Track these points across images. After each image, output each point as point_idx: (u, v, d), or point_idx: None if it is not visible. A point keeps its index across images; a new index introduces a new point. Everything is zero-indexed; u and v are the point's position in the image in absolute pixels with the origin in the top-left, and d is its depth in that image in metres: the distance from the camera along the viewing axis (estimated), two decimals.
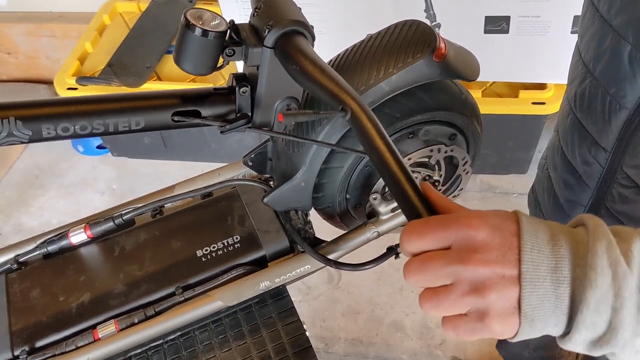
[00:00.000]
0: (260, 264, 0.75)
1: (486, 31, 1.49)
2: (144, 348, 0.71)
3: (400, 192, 0.44)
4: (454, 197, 0.82)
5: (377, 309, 1.64)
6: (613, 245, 0.38)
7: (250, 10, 0.59)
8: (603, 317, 0.38)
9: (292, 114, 0.48)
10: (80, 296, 0.72)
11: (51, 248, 0.76)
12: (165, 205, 0.81)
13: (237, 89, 0.59)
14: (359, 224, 0.76)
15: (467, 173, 0.80)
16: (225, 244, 0.75)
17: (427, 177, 0.76)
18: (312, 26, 0.55)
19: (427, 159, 0.75)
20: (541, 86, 1.62)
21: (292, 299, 0.75)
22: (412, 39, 0.66)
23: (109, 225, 0.77)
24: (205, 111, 0.60)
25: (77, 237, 0.76)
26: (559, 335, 0.41)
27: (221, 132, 0.60)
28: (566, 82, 0.80)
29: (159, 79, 1.82)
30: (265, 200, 0.72)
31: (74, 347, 0.68)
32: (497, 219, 0.41)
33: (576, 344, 0.40)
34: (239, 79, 0.61)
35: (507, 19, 1.46)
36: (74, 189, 2.07)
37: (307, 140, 0.65)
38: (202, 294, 0.71)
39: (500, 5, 1.44)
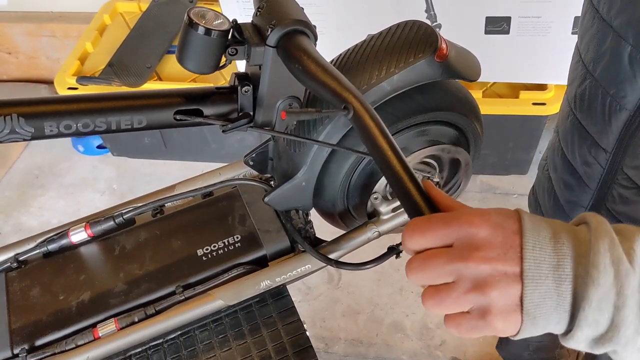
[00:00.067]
0: (261, 264, 0.75)
1: (487, 32, 1.50)
2: (144, 347, 0.71)
3: (403, 190, 0.44)
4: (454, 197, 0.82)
5: (377, 309, 1.64)
6: (615, 243, 0.39)
7: (251, 10, 0.59)
8: (605, 315, 0.38)
9: (295, 112, 0.48)
10: (81, 295, 0.72)
11: (51, 247, 0.76)
12: (166, 205, 0.81)
13: (239, 88, 0.59)
14: (359, 223, 0.76)
15: (467, 173, 0.80)
16: (226, 243, 0.75)
17: (427, 178, 0.76)
18: (314, 26, 0.55)
19: (427, 159, 0.75)
20: (542, 87, 1.62)
21: (292, 299, 0.75)
22: (414, 39, 0.66)
23: (110, 224, 0.77)
24: (207, 110, 0.60)
25: (78, 236, 0.76)
26: (561, 333, 0.41)
27: (223, 131, 0.60)
28: (566, 83, 0.80)
29: (160, 79, 1.82)
30: (266, 199, 0.72)
31: (73, 345, 0.68)
32: (499, 217, 0.41)
33: (578, 341, 0.40)
34: (241, 78, 0.61)
35: (507, 20, 1.46)
36: (74, 188, 2.07)
37: (308, 140, 0.65)
38: (202, 293, 0.71)
39: (501, 5, 1.44)
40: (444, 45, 0.65)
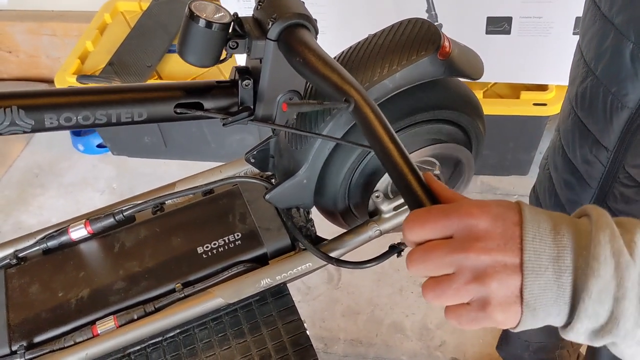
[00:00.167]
0: (261, 262, 0.74)
1: (488, 32, 1.49)
2: (143, 345, 0.70)
3: (404, 182, 0.44)
4: None
5: (377, 309, 1.64)
6: (616, 235, 0.38)
7: (250, 7, 0.58)
8: (605, 307, 0.38)
9: (296, 104, 0.48)
10: (80, 292, 0.72)
11: (51, 244, 0.76)
12: (166, 202, 0.80)
13: (239, 82, 0.59)
14: (360, 222, 0.76)
15: (469, 172, 0.80)
16: (226, 241, 0.75)
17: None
18: (315, 19, 0.55)
19: (429, 158, 0.75)
20: (542, 87, 1.62)
21: (292, 298, 0.74)
22: (417, 37, 0.65)
23: (110, 221, 0.76)
24: (207, 104, 0.60)
25: (77, 232, 0.76)
26: (561, 325, 0.41)
27: (223, 124, 0.60)
28: (567, 84, 0.79)
29: (160, 78, 1.82)
30: (267, 197, 0.72)
31: (72, 342, 0.67)
32: (500, 209, 0.41)
33: (578, 333, 0.40)
34: (242, 72, 0.60)
35: (508, 20, 1.46)
36: (73, 188, 2.06)
37: (310, 134, 0.64)
38: (202, 290, 0.71)
39: (502, 6, 1.44)
40: (446, 43, 0.65)
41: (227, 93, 0.60)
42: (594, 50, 0.67)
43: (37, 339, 0.68)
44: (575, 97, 0.74)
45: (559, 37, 1.45)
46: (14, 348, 0.67)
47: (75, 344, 0.67)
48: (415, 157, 0.73)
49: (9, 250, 0.76)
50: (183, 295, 0.70)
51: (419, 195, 0.44)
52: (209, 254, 0.74)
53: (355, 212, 0.79)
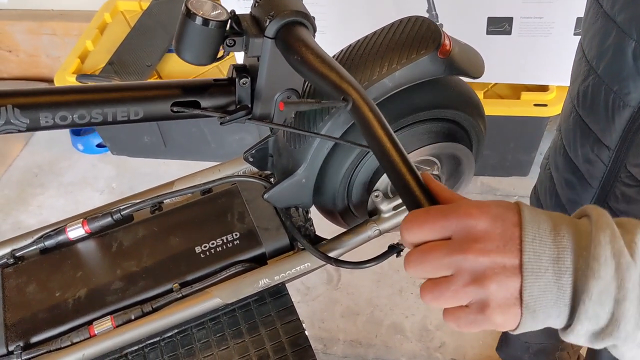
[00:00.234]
0: (260, 261, 0.74)
1: (488, 32, 1.49)
2: (141, 345, 0.70)
3: (401, 182, 0.44)
4: None
5: (377, 310, 1.63)
6: (617, 236, 0.38)
7: (250, 3, 0.58)
8: (605, 309, 0.37)
9: (294, 103, 0.47)
10: (77, 292, 0.71)
11: (48, 243, 0.75)
12: (165, 201, 0.80)
13: (237, 80, 0.59)
14: (360, 222, 0.75)
15: (469, 172, 0.79)
16: (225, 241, 0.75)
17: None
18: (313, 17, 0.54)
19: (429, 157, 0.74)
20: (543, 88, 1.61)
21: (291, 298, 0.74)
22: (417, 35, 0.65)
23: (107, 220, 0.76)
24: (204, 102, 0.59)
25: (75, 232, 0.75)
26: (561, 327, 0.40)
27: (221, 123, 0.60)
28: (568, 84, 0.79)
29: (160, 77, 1.82)
30: (266, 196, 0.71)
31: (69, 343, 0.67)
32: (499, 209, 0.40)
33: (578, 335, 0.39)
34: (239, 70, 0.60)
35: (509, 20, 1.46)
36: (73, 187, 2.06)
37: (308, 133, 0.64)
38: (200, 290, 0.70)
39: (502, 6, 1.43)
40: (447, 42, 0.64)
41: (224, 91, 0.60)
42: (595, 49, 0.67)
43: (34, 339, 0.68)
44: (576, 95, 0.73)
45: (560, 37, 1.45)
46: (11, 348, 0.67)
47: (73, 344, 0.67)
48: (415, 156, 0.72)
49: (6, 250, 0.76)
50: (181, 295, 0.70)
51: (417, 196, 0.43)
52: (207, 253, 0.74)
53: (354, 212, 0.78)
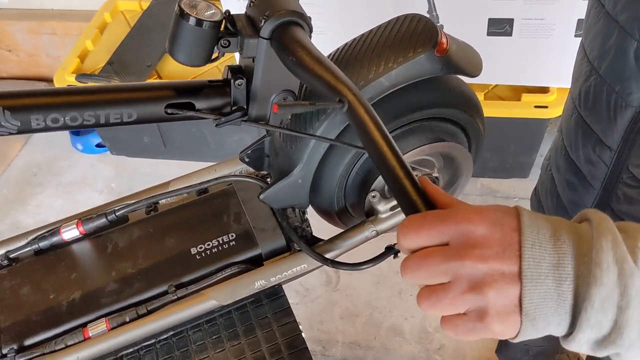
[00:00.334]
0: (256, 263, 0.73)
1: (489, 33, 1.48)
2: (136, 347, 0.70)
3: (398, 186, 0.43)
4: None
5: (376, 312, 1.63)
6: (619, 241, 0.37)
7: None
8: (608, 316, 0.36)
9: (288, 105, 0.47)
10: (71, 294, 0.71)
11: (43, 244, 0.75)
12: (160, 202, 0.79)
13: (232, 81, 0.58)
14: (357, 222, 0.74)
15: (467, 172, 0.79)
16: (220, 242, 0.74)
17: (426, 174, 0.74)
18: (309, 17, 0.54)
19: (427, 157, 0.74)
20: (544, 90, 1.61)
21: (290, 301, 0.73)
22: (414, 33, 0.64)
23: (102, 221, 0.75)
24: (199, 104, 0.58)
25: (69, 233, 0.75)
26: (562, 335, 0.39)
27: (216, 125, 0.59)
28: (569, 86, 0.78)
29: (160, 77, 1.81)
30: (262, 197, 0.71)
31: (63, 345, 0.66)
32: (497, 214, 0.39)
33: (580, 344, 0.38)
34: (235, 71, 0.59)
35: (510, 22, 1.45)
36: (72, 187, 2.06)
37: (303, 135, 0.63)
38: (195, 292, 0.70)
39: (503, 7, 1.43)
40: (444, 40, 0.63)
41: (219, 93, 0.59)
42: (597, 49, 0.66)
43: (28, 342, 0.67)
44: (578, 96, 0.73)
45: (561, 39, 1.44)
46: (4, 351, 0.66)
47: (67, 347, 0.66)
48: (412, 156, 0.72)
49: (0, 251, 0.75)
50: (176, 297, 0.69)
51: (414, 200, 0.43)
52: (203, 254, 0.73)
53: (351, 212, 0.78)
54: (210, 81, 0.60)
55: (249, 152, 0.75)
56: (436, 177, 0.74)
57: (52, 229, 0.76)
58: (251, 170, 0.80)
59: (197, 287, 0.70)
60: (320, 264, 0.71)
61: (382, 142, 0.44)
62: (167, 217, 0.78)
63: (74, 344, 0.66)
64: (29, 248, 0.75)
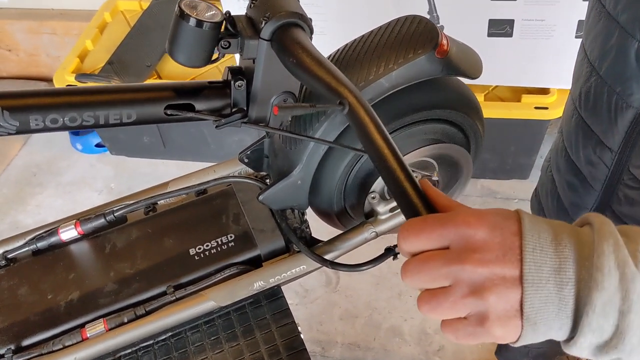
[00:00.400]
0: (255, 264, 0.73)
1: (490, 34, 1.48)
2: (134, 348, 0.69)
3: (399, 189, 0.43)
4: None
5: (375, 313, 1.63)
6: (620, 245, 0.37)
7: None
8: (610, 321, 0.36)
9: (288, 107, 0.47)
10: (69, 294, 0.71)
11: (41, 244, 0.75)
12: (159, 202, 0.79)
13: (232, 82, 0.58)
14: (356, 223, 0.74)
15: (467, 174, 0.78)
16: (219, 243, 0.74)
17: (426, 177, 0.74)
18: (310, 19, 0.53)
19: (426, 158, 0.73)
20: (544, 91, 1.60)
21: (289, 302, 0.73)
22: (414, 34, 0.64)
23: (100, 221, 0.75)
24: (199, 105, 0.58)
25: (68, 233, 0.75)
26: (563, 339, 0.39)
27: (216, 126, 0.59)
28: (570, 87, 0.78)
29: (160, 77, 1.81)
30: (261, 198, 0.71)
31: (61, 346, 0.66)
32: (498, 218, 0.39)
33: (581, 348, 0.38)
34: (235, 72, 0.59)
35: (511, 23, 1.45)
36: (71, 187, 2.05)
37: (303, 137, 0.63)
38: (194, 293, 0.70)
39: (504, 8, 1.43)
40: (444, 41, 0.63)
41: (219, 94, 0.59)
42: (598, 49, 0.66)
43: (25, 343, 0.67)
44: (578, 97, 0.73)
45: (561, 40, 1.44)
46: (2, 352, 0.66)
47: (64, 347, 0.66)
48: (412, 158, 0.72)
49: None
50: (175, 297, 0.69)
51: (415, 203, 0.42)
52: (202, 255, 0.73)
53: (350, 213, 0.78)
54: (210, 82, 0.59)
55: (249, 152, 0.74)
56: (436, 181, 0.74)
57: (50, 229, 0.75)
58: (250, 171, 0.80)
59: (195, 288, 0.70)
60: (320, 265, 0.71)
61: (383, 144, 0.44)
62: (166, 218, 0.78)
63: (72, 345, 0.66)
64: (26, 248, 0.75)
